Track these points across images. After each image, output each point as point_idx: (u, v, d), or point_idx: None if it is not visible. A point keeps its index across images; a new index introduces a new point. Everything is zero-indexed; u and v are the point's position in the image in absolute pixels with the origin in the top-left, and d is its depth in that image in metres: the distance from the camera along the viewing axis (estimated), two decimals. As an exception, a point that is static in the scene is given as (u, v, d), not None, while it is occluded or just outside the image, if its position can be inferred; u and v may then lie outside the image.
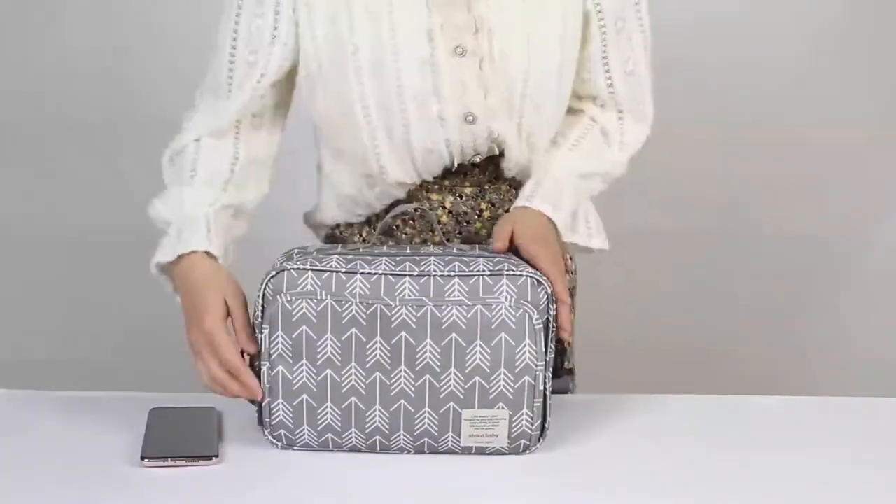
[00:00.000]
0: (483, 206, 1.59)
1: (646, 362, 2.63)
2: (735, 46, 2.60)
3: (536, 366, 1.31)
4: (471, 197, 1.59)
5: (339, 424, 1.33)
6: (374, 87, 1.49)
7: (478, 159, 1.56)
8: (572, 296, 1.71)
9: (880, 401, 1.56)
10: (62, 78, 2.62)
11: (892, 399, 1.56)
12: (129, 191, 2.67)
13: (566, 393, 1.60)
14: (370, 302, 1.30)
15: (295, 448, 1.35)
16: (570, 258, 1.71)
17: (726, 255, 2.71)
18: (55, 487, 1.26)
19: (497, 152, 1.55)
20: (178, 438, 1.35)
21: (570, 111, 1.61)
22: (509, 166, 1.56)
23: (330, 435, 1.33)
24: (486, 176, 1.58)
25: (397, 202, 1.58)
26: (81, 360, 2.64)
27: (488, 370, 1.30)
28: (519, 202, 1.50)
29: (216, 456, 1.32)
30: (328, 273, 1.31)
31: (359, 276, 1.31)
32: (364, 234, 1.64)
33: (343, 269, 1.31)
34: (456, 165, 1.55)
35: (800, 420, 1.46)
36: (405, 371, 1.31)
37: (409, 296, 1.30)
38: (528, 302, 1.31)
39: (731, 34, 2.61)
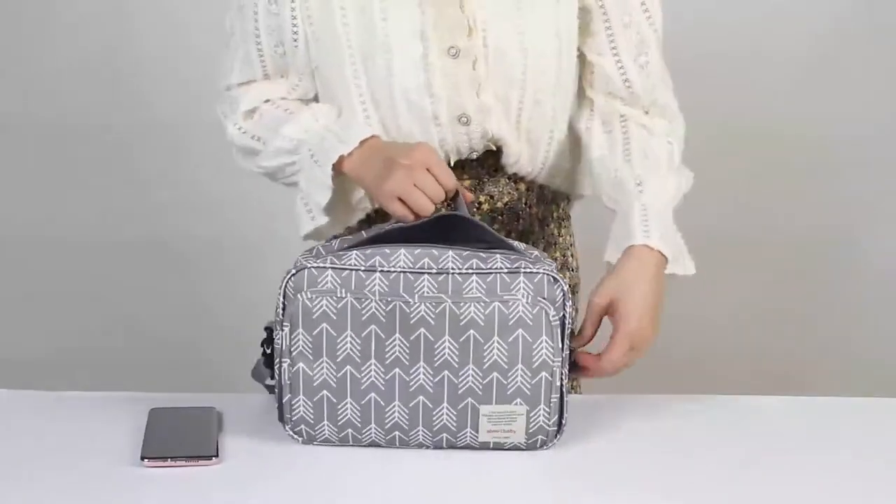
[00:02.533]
0: (482, 199, 1.59)
1: (646, 363, 2.62)
2: (736, 47, 2.61)
3: (553, 362, 1.32)
4: (469, 190, 1.58)
5: (359, 420, 1.34)
6: (368, 85, 1.51)
7: (475, 156, 1.56)
8: (574, 293, 1.71)
9: (880, 401, 1.56)
10: (63, 78, 2.62)
11: (892, 399, 1.56)
12: (131, 191, 2.69)
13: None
14: (389, 299, 1.31)
15: (315, 443, 1.36)
16: (573, 256, 1.70)
17: (726, 256, 2.71)
18: (55, 487, 1.26)
19: (493, 149, 1.55)
20: (178, 438, 1.35)
21: (593, 105, 1.59)
22: (508, 162, 1.57)
23: (350, 430, 1.35)
24: (484, 169, 1.58)
25: None
26: (81, 360, 2.64)
27: (506, 366, 1.32)
28: (635, 241, 1.46)
29: (216, 456, 1.32)
30: (347, 271, 1.32)
31: (378, 275, 1.32)
32: None
33: (362, 267, 1.32)
34: (452, 163, 1.55)
35: (800, 420, 1.46)
36: (424, 367, 1.32)
37: (428, 293, 1.31)
38: (544, 298, 1.32)
39: (732, 34, 2.61)
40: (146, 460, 1.30)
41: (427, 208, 1.39)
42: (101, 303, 2.71)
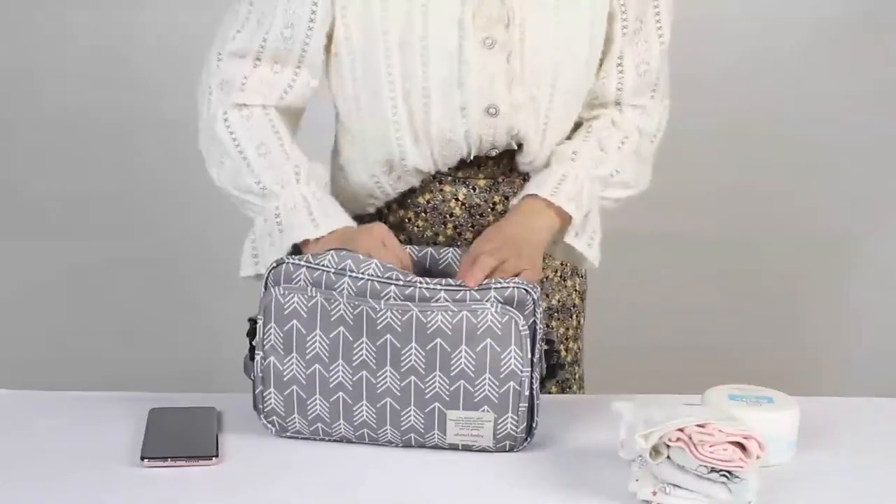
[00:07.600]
0: (496, 199, 1.59)
1: (647, 362, 2.63)
2: (734, 46, 2.60)
3: (522, 372, 1.32)
4: (484, 190, 1.58)
5: (328, 416, 1.36)
6: (400, 71, 1.49)
7: (494, 153, 1.56)
8: (582, 299, 1.70)
9: (880, 401, 1.56)
10: (63, 78, 2.62)
11: (892, 399, 1.56)
12: (130, 190, 2.69)
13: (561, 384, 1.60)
14: (357, 302, 1.32)
15: (287, 434, 1.38)
16: None
17: (728, 256, 2.71)
18: (55, 487, 1.27)
19: (514, 147, 1.55)
20: (178, 438, 1.35)
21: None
22: (525, 161, 1.56)
23: (320, 424, 1.36)
24: (500, 168, 1.58)
25: (412, 191, 1.58)
26: (81, 360, 2.64)
27: (473, 374, 1.32)
28: (541, 192, 1.49)
29: (216, 456, 1.32)
30: (320, 270, 1.33)
31: (347, 278, 1.32)
32: None
33: (333, 269, 1.33)
34: (472, 157, 1.55)
35: (801, 420, 1.46)
36: (391, 371, 1.33)
37: (395, 300, 1.31)
38: (513, 308, 1.31)
39: (731, 34, 2.61)
40: (146, 460, 1.31)
41: None
42: (102, 302, 2.72)
